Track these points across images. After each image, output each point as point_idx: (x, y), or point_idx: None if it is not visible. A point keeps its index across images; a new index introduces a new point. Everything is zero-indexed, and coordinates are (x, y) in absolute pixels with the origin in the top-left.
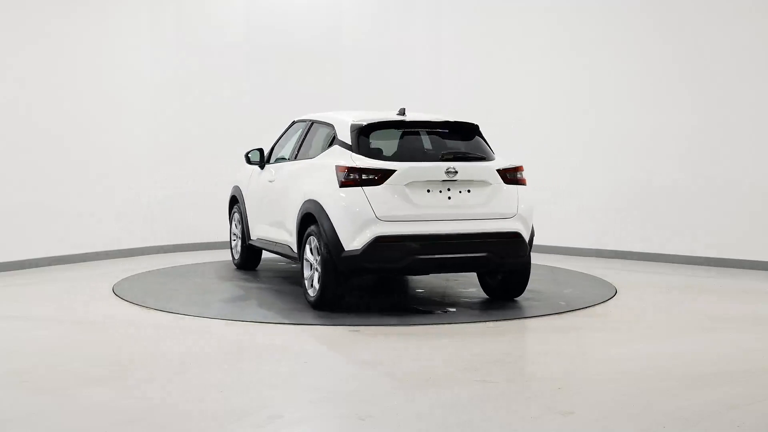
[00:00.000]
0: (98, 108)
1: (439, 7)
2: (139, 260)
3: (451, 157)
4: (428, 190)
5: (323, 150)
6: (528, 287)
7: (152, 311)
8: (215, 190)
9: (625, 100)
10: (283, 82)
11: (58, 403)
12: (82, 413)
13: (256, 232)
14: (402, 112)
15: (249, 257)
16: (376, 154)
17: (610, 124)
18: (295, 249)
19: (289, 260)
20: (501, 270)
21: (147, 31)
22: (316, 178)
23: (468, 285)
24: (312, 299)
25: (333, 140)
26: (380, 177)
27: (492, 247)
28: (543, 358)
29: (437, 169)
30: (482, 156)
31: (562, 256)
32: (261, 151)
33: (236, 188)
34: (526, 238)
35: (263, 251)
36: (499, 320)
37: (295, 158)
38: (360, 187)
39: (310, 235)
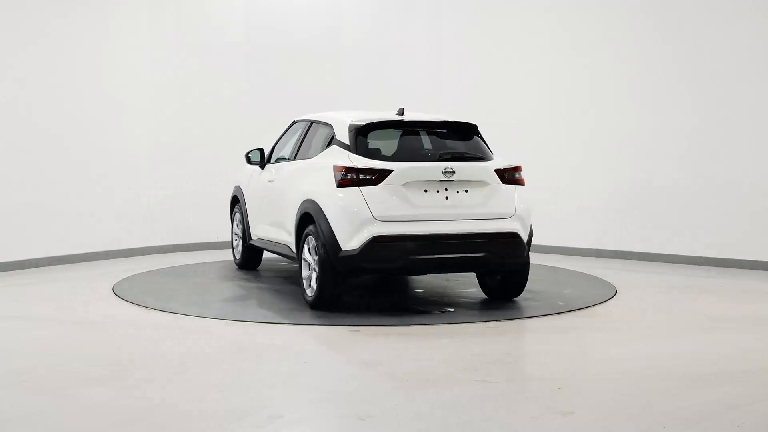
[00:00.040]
0: (98, 108)
1: (439, 7)
2: (139, 260)
3: (449, 157)
4: (425, 190)
5: (322, 150)
6: (528, 287)
7: (152, 311)
8: (215, 190)
9: (625, 100)
10: (283, 82)
11: (58, 403)
12: (82, 413)
13: (257, 232)
14: (401, 112)
15: (250, 257)
16: (374, 154)
17: (610, 124)
18: (293, 249)
19: (289, 260)
20: (499, 270)
21: (147, 31)
22: (314, 178)
23: (468, 285)
24: (310, 299)
25: (331, 140)
26: (377, 177)
27: (490, 248)
28: (543, 358)
29: (434, 169)
30: (480, 156)
31: (562, 256)
32: (261, 151)
33: (237, 188)
34: (525, 238)
35: (264, 251)
36: (499, 320)
37: (295, 158)
38: (357, 187)
39: (308, 235)
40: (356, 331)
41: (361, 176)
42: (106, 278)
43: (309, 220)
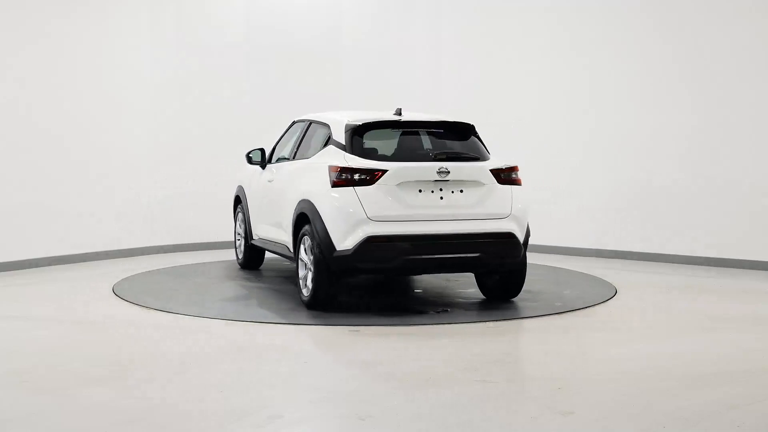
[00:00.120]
0: (98, 108)
1: (439, 7)
2: (139, 260)
3: (444, 157)
4: (420, 190)
5: (319, 150)
6: (528, 287)
7: (152, 311)
8: (215, 190)
9: (625, 100)
10: (283, 82)
11: (58, 403)
12: (82, 413)
13: (258, 232)
14: (398, 112)
15: (252, 257)
16: (370, 154)
17: (610, 124)
18: (291, 249)
19: (289, 260)
20: (495, 270)
21: (147, 31)
22: (310, 178)
23: (468, 285)
24: (305, 299)
25: (328, 140)
26: (372, 177)
27: (485, 248)
28: (543, 358)
29: (429, 169)
30: (476, 156)
31: (562, 256)
32: (262, 151)
33: (240, 188)
34: (521, 239)
35: (266, 251)
36: (499, 320)
37: (294, 158)
38: (352, 187)
39: (304, 235)
40: (356, 331)
41: (356, 176)
42: (106, 278)
43: (305, 220)
